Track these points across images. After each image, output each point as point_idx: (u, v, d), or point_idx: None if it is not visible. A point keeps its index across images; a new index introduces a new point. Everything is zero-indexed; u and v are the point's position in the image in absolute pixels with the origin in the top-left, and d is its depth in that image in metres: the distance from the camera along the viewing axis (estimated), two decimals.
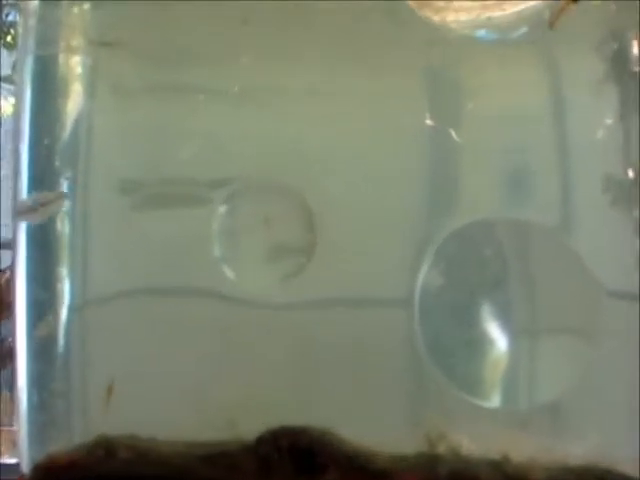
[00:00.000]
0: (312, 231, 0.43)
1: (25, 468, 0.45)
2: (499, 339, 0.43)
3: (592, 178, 0.44)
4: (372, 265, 0.43)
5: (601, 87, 0.45)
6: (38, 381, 0.45)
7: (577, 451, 0.43)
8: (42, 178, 0.46)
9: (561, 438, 0.44)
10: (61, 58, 0.46)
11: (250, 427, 0.41)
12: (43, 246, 0.46)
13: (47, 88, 0.46)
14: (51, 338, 0.45)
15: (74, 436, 0.44)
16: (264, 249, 0.44)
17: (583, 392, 0.43)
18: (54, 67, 0.46)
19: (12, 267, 0.47)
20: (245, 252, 0.44)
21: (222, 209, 0.44)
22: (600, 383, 0.44)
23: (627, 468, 0.42)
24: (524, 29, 0.45)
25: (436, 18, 0.45)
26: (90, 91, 0.46)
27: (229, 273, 0.43)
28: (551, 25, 0.41)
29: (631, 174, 0.44)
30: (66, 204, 0.45)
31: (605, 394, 0.44)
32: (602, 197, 0.44)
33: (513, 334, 0.43)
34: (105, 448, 0.42)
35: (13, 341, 0.46)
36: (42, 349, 0.45)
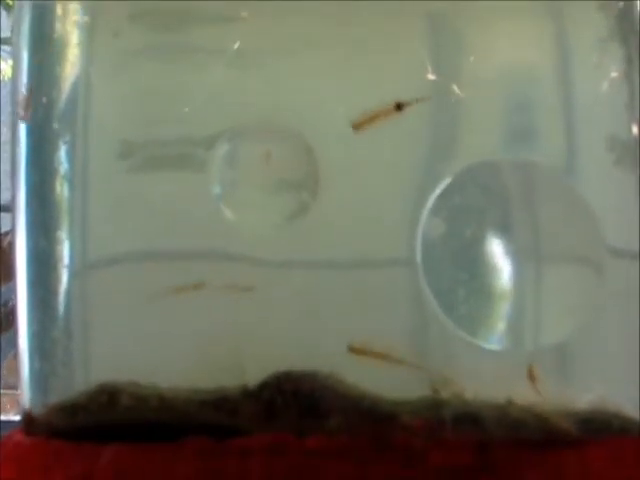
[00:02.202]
0: (314, 172, 0.43)
1: (25, 417, 0.45)
2: (504, 281, 0.43)
3: (596, 136, 0.44)
4: (374, 215, 0.43)
5: (606, 45, 0.44)
6: (39, 334, 0.45)
7: (583, 395, 0.43)
8: (41, 141, 0.46)
9: (566, 382, 0.44)
10: (58, 15, 0.46)
11: (253, 375, 0.41)
12: (42, 210, 0.46)
13: (44, 50, 0.46)
14: (53, 300, 0.45)
15: (75, 384, 0.45)
16: (266, 189, 0.43)
17: (588, 336, 0.43)
18: (51, 26, 0.46)
19: (12, 230, 0.48)
20: (246, 195, 0.44)
21: (221, 158, 0.43)
22: (605, 331, 0.44)
23: (634, 413, 0.43)
24: None
25: None
26: (88, 51, 0.45)
27: (229, 217, 0.43)
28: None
29: (635, 132, 0.44)
30: (65, 167, 0.45)
31: (611, 339, 0.44)
32: (606, 155, 0.44)
33: (517, 276, 0.43)
34: (107, 394, 0.42)
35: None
36: (43, 309, 0.45)
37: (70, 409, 0.43)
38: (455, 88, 0.43)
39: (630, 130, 0.44)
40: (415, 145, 0.44)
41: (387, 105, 0.42)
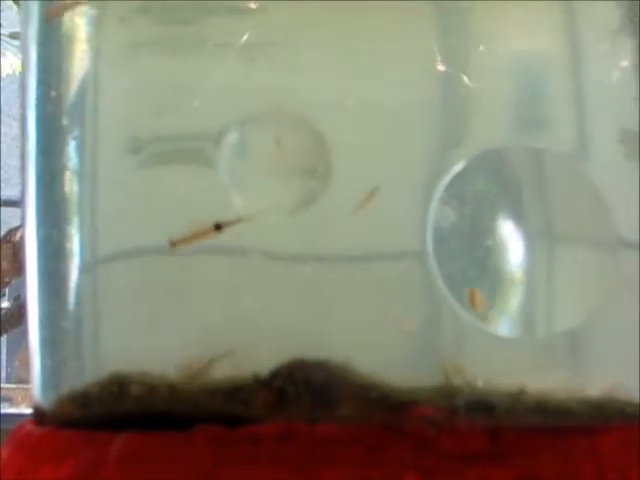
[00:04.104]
0: (325, 160, 0.43)
1: (37, 408, 0.46)
2: (514, 269, 0.43)
3: (606, 126, 0.44)
4: (383, 205, 0.43)
5: (616, 36, 0.44)
6: (50, 326, 0.46)
7: (595, 382, 0.43)
8: (50, 137, 0.46)
9: (579, 370, 0.44)
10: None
11: (264, 363, 0.41)
12: (52, 205, 0.46)
13: (52, 45, 0.46)
14: (63, 289, 0.45)
15: (86, 375, 0.45)
16: (276, 175, 0.43)
17: (601, 323, 0.43)
18: (59, 21, 0.46)
19: (22, 225, 0.48)
20: (256, 183, 0.44)
21: (230, 147, 0.43)
22: (618, 319, 0.44)
23: None
24: None
25: None
26: (96, 47, 0.45)
27: (237, 202, 0.43)
28: None
29: None
30: (74, 163, 0.45)
31: (623, 326, 0.44)
32: (617, 147, 0.44)
33: (529, 264, 0.43)
34: (118, 384, 0.42)
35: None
36: (53, 306, 0.46)
37: (81, 399, 0.43)
38: (465, 78, 0.43)
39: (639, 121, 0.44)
40: (425, 135, 0.44)
41: (207, 225, 0.42)
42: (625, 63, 0.44)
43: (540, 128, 0.44)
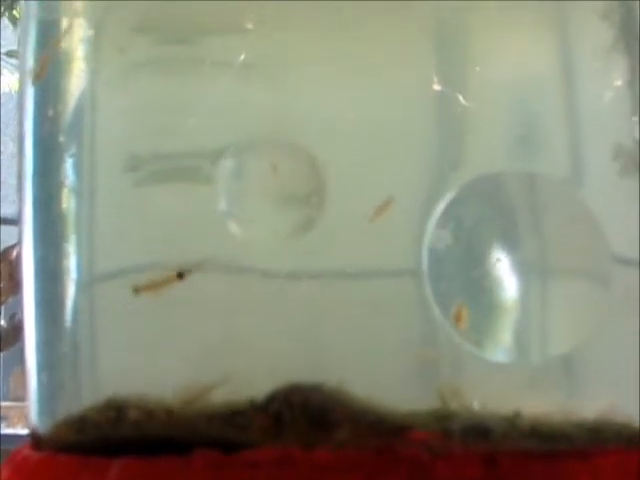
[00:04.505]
0: (320, 186, 0.43)
1: (34, 433, 0.45)
2: (510, 294, 0.43)
3: (600, 144, 0.44)
4: (379, 228, 0.43)
5: (609, 53, 0.44)
6: (47, 349, 0.45)
7: (591, 407, 0.43)
8: (47, 155, 0.46)
9: (575, 394, 0.44)
10: (64, 27, 0.46)
11: (261, 388, 0.41)
12: (49, 223, 0.46)
13: (51, 64, 0.46)
14: (60, 311, 0.45)
15: (83, 399, 0.44)
16: (272, 203, 0.43)
17: (595, 349, 0.43)
18: (57, 38, 0.46)
19: (19, 244, 0.48)
20: (252, 209, 0.44)
21: (228, 171, 0.43)
22: (612, 341, 0.44)
23: None
24: None
25: None
26: (94, 64, 0.45)
27: (236, 231, 0.43)
28: None
29: (637, 141, 0.44)
30: (72, 180, 0.45)
31: (617, 352, 0.44)
32: (610, 164, 0.44)
33: (524, 288, 0.43)
34: (115, 409, 0.42)
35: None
36: (50, 322, 0.46)
37: (78, 424, 0.43)
38: (461, 98, 0.43)
39: (635, 139, 0.44)
40: (421, 155, 0.44)
41: (169, 274, 0.42)
42: (619, 81, 0.44)
43: (535, 146, 0.45)
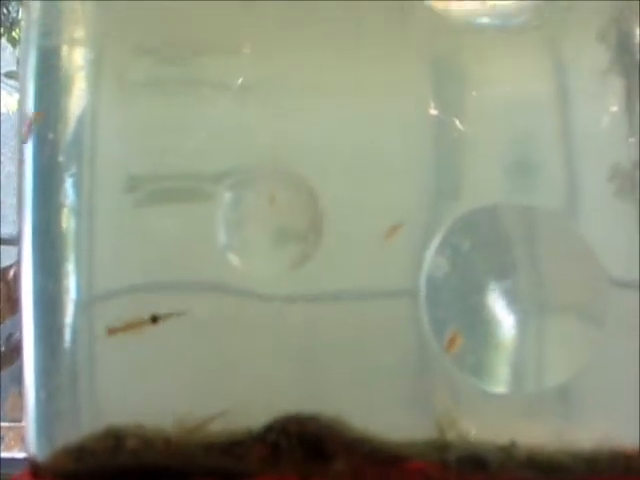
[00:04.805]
0: (318, 218, 0.43)
1: (32, 460, 0.45)
2: (506, 325, 0.43)
3: (597, 167, 0.44)
4: (377, 255, 0.43)
5: (606, 75, 0.45)
6: (45, 374, 0.45)
7: (586, 436, 0.43)
8: (47, 174, 0.46)
9: (570, 423, 0.44)
10: (64, 51, 0.46)
11: (257, 415, 0.41)
12: (49, 242, 0.46)
13: (51, 83, 0.46)
14: (58, 332, 0.45)
15: (82, 427, 0.44)
16: (270, 236, 0.43)
17: (591, 377, 0.43)
18: (57, 60, 0.46)
19: (18, 263, 0.47)
20: (250, 240, 0.44)
21: (226, 199, 0.43)
22: (608, 368, 0.44)
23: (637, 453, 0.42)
24: (527, 17, 0.45)
25: (440, 6, 0.45)
26: (93, 86, 0.46)
27: (235, 262, 0.43)
28: None
29: (635, 162, 0.44)
30: (71, 200, 0.45)
31: (613, 379, 0.44)
32: (607, 185, 0.44)
33: (520, 319, 0.43)
34: (114, 438, 0.42)
35: (20, 337, 0.46)
36: (49, 343, 0.45)
37: (76, 452, 0.43)
38: (457, 123, 0.43)
39: (630, 160, 0.44)
40: (419, 181, 0.44)
41: (143, 318, 0.43)
42: (615, 103, 0.44)
43: (532, 170, 0.45)
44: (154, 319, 0.43)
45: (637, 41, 0.45)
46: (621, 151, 0.44)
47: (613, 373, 0.44)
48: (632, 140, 0.44)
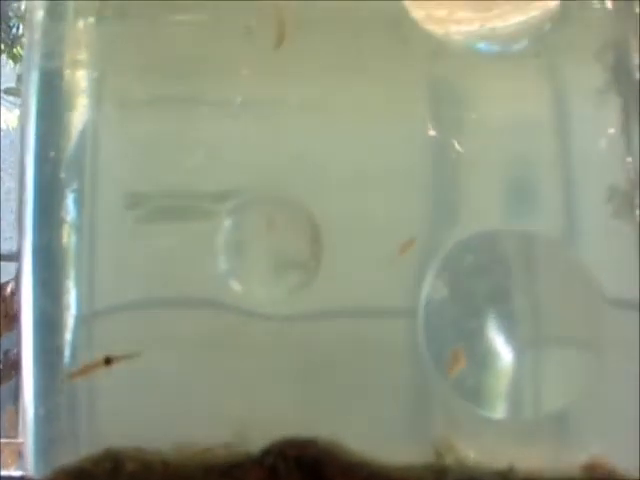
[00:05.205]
0: (317, 244, 0.43)
1: None
2: (504, 350, 0.43)
3: (595, 188, 0.44)
4: (376, 276, 0.43)
5: (603, 97, 0.45)
6: (44, 393, 0.45)
7: (584, 461, 0.43)
8: (48, 190, 0.46)
9: (567, 448, 0.44)
10: (66, 73, 0.46)
11: (256, 439, 0.41)
12: (49, 258, 0.46)
13: (52, 101, 0.46)
14: (58, 350, 0.45)
15: (80, 449, 0.44)
16: (269, 263, 0.44)
17: (588, 402, 0.43)
18: (59, 80, 0.46)
19: (16, 279, 0.47)
20: (250, 266, 0.44)
21: (227, 222, 0.44)
22: (606, 392, 0.44)
23: (635, 475, 0.42)
24: (525, 41, 0.45)
25: (439, 31, 0.45)
26: (95, 104, 0.46)
27: (235, 286, 0.43)
28: None
29: (633, 182, 0.44)
30: (72, 216, 0.45)
31: (611, 403, 0.44)
32: (605, 207, 0.44)
33: (518, 345, 0.43)
34: (112, 460, 0.42)
35: (17, 353, 0.46)
36: (48, 361, 0.45)
37: (75, 474, 0.43)
38: (456, 145, 0.44)
39: (628, 180, 0.45)
40: (418, 201, 0.44)
41: (98, 360, 0.43)
42: (613, 124, 0.45)
43: (530, 191, 0.45)
44: (107, 361, 0.43)
45: (634, 61, 0.45)
46: (619, 172, 0.45)
47: (612, 396, 0.44)
48: (629, 160, 0.45)
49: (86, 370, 0.43)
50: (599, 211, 0.44)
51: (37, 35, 0.47)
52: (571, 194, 0.45)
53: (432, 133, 0.44)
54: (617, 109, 0.45)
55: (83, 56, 0.46)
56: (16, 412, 0.48)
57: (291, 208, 0.44)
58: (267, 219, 0.43)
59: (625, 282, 0.44)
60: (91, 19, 0.46)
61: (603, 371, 0.43)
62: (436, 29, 0.45)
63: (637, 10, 0.45)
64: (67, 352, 0.45)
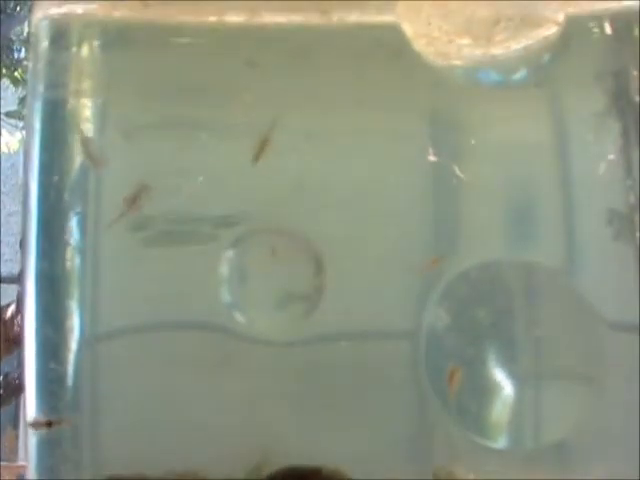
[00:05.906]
0: (320, 275, 0.43)
1: None
2: (505, 379, 0.43)
3: (595, 212, 0.45)
4: (378, 301, 0.43)
5: (603, 121, 0.45)
6: (48, 417, 0.45)
7: None
8: (52, 213, 0.46)
9: (568, 475, 0.44)
10: (70, 100, 0.46)
11: (258, 462, 0.41)
12: (53, 281, 0.46)
13: (56, 128, 0.46)
14: (61, 374, 0.45)
15: (83, 475, 0.44)
16: (272, 293, 0.44)
17: (589, 429, 0.43)
18: (63, 109, 0.47)
19: (18, 302, 0.47)
20: (253, 294, 0.44)
21: (229, 252, 0.44)
22: (606, 418, 0.44)
23: None
24: (525, 71, 0.45)
25: (440, 60, 0.45)
26: (99, 129, 0.46)
27: (237, 314, 0.43)
28: None
29: (633, 205, 0.44)
30: (76, 238, 0.45)
31: (612, 429, 0.44)
32: (605, 230, 0.44)
33: (519, 374, 0.44)
34: None
35: (18, 377, 0.46)
36: (52, 385, 0.45)
37: None
38: (457, 171, 0.44)
39: (628, 203, 0.45)
40: (419, 226, 0.45)
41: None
42: (612, 147, 0.45)
43: (530, 216, 0.45)
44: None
45: (633, 85, 0.45)
46: (619, 195, 0.45)
47: (612, 422, 0.44)
48: (629, 183, 0.45)
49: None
50: (599, 234, 0.45)
51: (41, 65, 0.47)
52: (572, 218, 0.45)
53: (432, 159, 0.44)
54: (617, 133, 0.45)
55: (87, 84, 0.46)
56: (16, 436, 0.48)
57: (293, 238, 0.44)
58: (270, 248, 0.43)
59: (626, 304, 0.44)
60: (95, 48, 0.47)
61: (604, 397, 0.43)
62: (438, 59, 0.45)
63: (636, 34, 0.46)
64: (71, 375, 0.45)
